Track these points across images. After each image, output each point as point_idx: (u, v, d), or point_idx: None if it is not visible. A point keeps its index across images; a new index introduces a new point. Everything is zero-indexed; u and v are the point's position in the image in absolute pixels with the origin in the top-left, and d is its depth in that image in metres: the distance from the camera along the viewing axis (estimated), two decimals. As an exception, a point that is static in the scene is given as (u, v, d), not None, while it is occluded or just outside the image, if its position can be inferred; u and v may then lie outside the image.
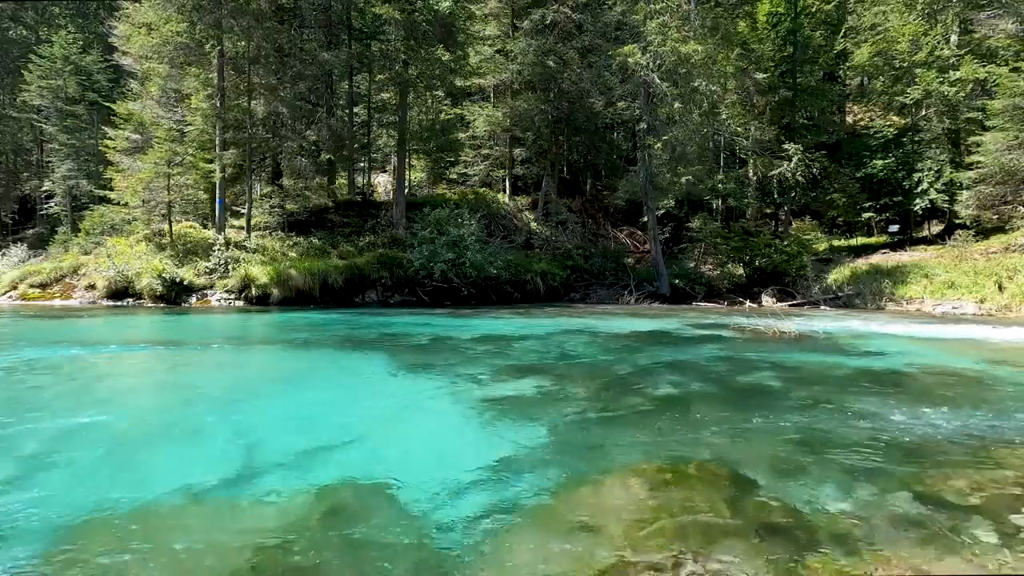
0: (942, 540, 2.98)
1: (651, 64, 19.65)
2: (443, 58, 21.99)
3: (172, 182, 18.84)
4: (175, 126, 20.14)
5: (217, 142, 19.38)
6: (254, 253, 18.73)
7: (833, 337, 11.11)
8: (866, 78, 27.62)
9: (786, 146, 22.23)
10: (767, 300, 19.89)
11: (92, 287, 17.63)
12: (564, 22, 22.97)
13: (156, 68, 20.87)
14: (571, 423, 5.19)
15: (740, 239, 21.88)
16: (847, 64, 26.11)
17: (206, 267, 17.77)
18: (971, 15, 21.60)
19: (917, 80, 20.77)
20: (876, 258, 20.96)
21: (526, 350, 9.64)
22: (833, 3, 25.23)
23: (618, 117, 24.68)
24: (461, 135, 26.30)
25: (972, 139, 19.84)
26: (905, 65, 21.51)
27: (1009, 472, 3.90)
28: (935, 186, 21.17)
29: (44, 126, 28.46)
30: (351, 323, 13.49)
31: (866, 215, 24.00)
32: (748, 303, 19.75)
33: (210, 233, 19.60)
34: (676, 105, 19.58)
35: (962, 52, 20.45)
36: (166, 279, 16.89)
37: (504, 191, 27.05)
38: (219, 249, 18.07)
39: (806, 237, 22.96)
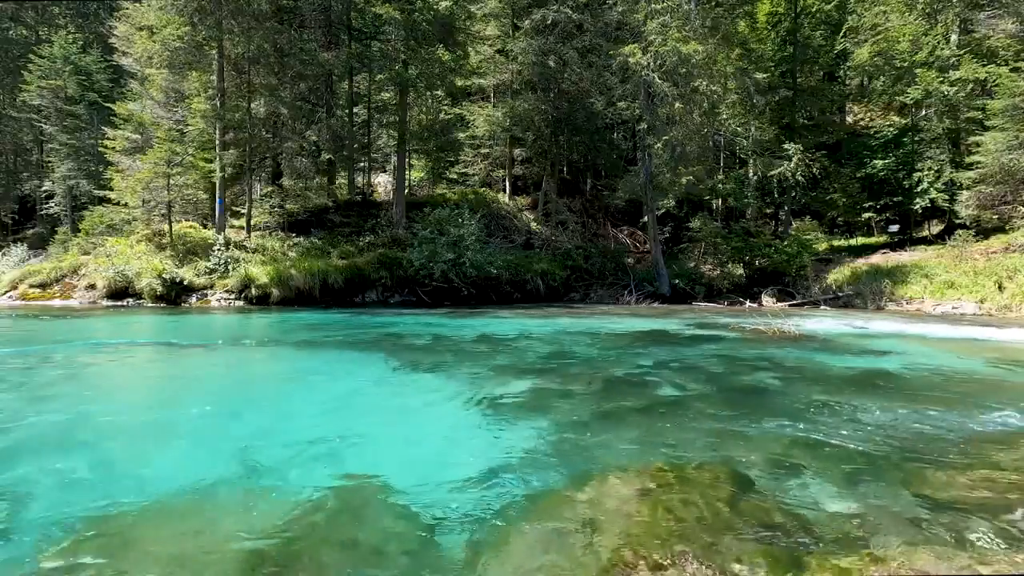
0: (942, 540, 2.98)
1: (651, 64, 19.64)
2: (443, 58, 21.99)
3: (172, 182, 18.81)
4: (175, 126, 20.13)
5: (217, 142, 19.38)
6: (254, 253, 18.73)
7: (833, 337, 11.11)
8: (866, 78, 27.60)
9: (786, 146, 22.23)
10: (767, 300, 19.88)
11: (92, 287, 17.62)
12: (564, 22, 22.96)
13: (157, 71, 20.88)
14: (571, 423, 5.19)
15: (740, 239, 21.88)
16: (847, 64, 26.11)
17: (206, 267, 17.77)
18: (971, 15, 21.62)
19: (917, 80, 20.76)
20: (876, 258, 20.95)
21: (526, 350, 9.64)
22: (833, 3, 25.23)
23: (618, 117, 24.66)
24: (461, 135, 26.30)
25: (972, 139, 19.84)
26: (905, 65, 21.50)
27: (1008, 472, 3.90)
28: (935, 186, 21.18)
29: (44, 126, 28.44)
30: (351, 323, 13.49)
31: (866, 215, 24.01)
32: (748, 303, 19.75)
33: (210, 233, 19.60)
34: (676, 105, 19.57)
35: (962, 52, 20.45)
36: (166, 279, 16.89)
37: (504, 191, 27.05)
38: (219, 249, 18.06)
39: (806, 237, 22.95)
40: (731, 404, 5.94)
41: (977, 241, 19.29)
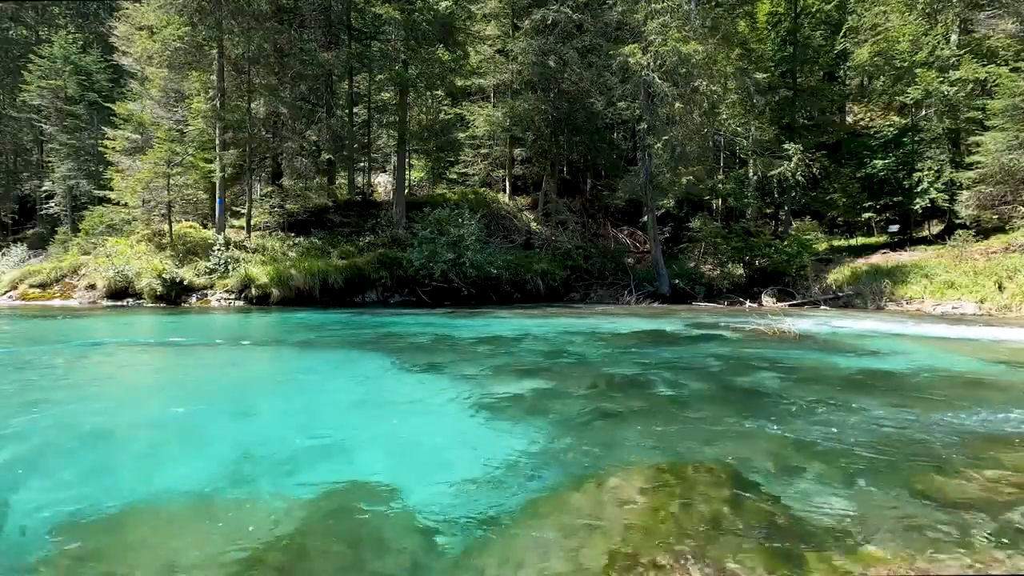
0: (942, 540, 2.98)
1: (651, 64, 19.64)
2: (443, 58, 21.99)
3: (172, 182, 18.82)
4: (175, 126, 20.13)
5: (217, 142, 19.39)
6: (254, 253, 18.73)
7: (833, 337, 11.11)
8: (866, 78, 27.61)
9: (786, 146, 22.23)
10: (767, 300, 19.88)
11: (92, 287, 17.63)
12: (564, 22, 22.96)
13: (157, 71, 20.88)
14: (571, 423, 5.19)
15: (740, 239, 21.88)
16: (847, 64, 26.11)
17: (206, 267, 17.77)
18: (971, 15, 21.62)
19: (917, 80, 20.76)
20: (876, 258, 20.95)
21: (526, 350, 9.64)
22: (833, 3, 25.23)
23: (618, 117, 24.66)
24: (461, 135, 26.30)
25: (972, 139, 19.84)
26: (905, 65, 21.51)
27: (1009, 472, 3.90)
28: (935, 186, 21.18)
29: (44, 126, 28.44)
30: (351, 323, 13.49)
31: (866, 215, 24.01)
32: (748, 303, 19.74)
33: (210, 233, 19.59)
34: (676, 105, 19.57)
35: (962, 52, 20.45)
36: (166, 279, 16.89)
37: (504, 191, 27.04)
38: (219, 249, 18.06)
39: (806, 237, 22.96)
40: (730, 404, 5.94)
41: (977, 241, 19.29)
